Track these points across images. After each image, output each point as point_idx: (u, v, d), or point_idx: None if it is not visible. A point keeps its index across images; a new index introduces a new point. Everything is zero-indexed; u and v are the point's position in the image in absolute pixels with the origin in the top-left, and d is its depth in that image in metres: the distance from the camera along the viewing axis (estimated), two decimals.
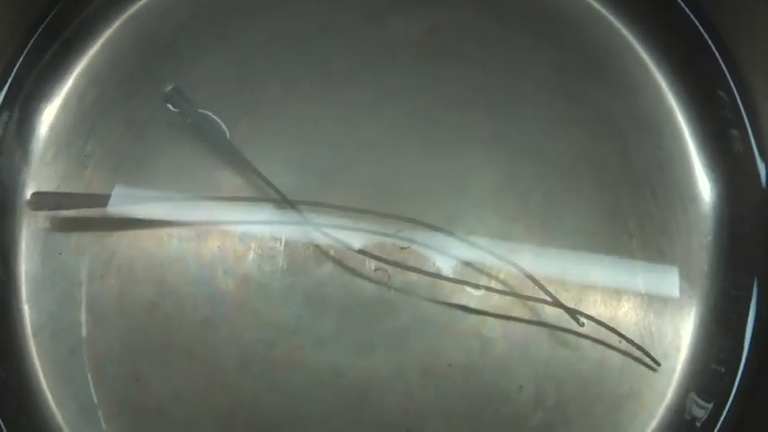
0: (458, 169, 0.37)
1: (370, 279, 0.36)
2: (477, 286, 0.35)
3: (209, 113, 0.37)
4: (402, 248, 0.36)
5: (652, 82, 0.38)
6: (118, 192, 0.36)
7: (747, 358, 0.36)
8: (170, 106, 0.38)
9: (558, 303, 0.35)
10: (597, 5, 0.39)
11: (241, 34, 0.39)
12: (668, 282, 0.36)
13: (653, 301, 0.36)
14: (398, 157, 0.37)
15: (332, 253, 0.36)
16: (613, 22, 0.39)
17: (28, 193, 0.37)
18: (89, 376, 0.36)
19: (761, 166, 0.37)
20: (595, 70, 0.38)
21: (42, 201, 0.36)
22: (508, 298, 0.35)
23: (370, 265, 0.36)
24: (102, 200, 0.36)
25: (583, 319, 0.35)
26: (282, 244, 0.36)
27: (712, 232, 0.37)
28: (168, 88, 0.38)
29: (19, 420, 0.36)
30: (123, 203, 0.36)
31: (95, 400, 0.35)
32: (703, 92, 0.38)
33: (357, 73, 0.38)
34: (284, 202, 0.36)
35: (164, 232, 0.36)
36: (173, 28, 0.39)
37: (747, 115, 0.37)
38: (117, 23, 0.39)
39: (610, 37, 0.39)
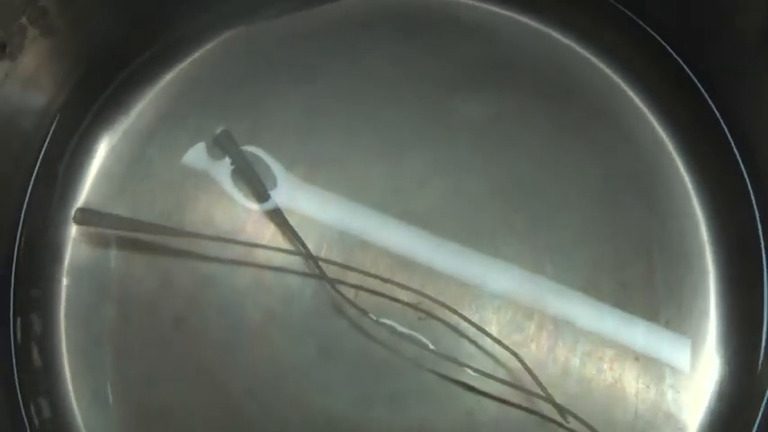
0: (486, 257, 0.39)
1: (383, 341, 0.38)
2: (475, 370, 0.37)
3: (263, 155, 0.40)
4: (419, 319, 0.38)
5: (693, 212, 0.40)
6: (155, 224, 0.39)
7: None
8: (220, 149, 0.40)
9: (549, 399, 0.37)
10: (653, 121, 0.41)
11: (315, 83, 0.41)
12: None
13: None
14: (433, 233, 0.39)
15: (353, 309, 0.38)
16: (666, 143, 0.41)
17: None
18: (107, 369, 0.38)
19: None
20: (640, 186, 0.40)
21: (86, 217, 0.39)
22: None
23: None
24: (142, 226, 0.38)
25: (570, 418, 0.37)
26: (313, 288, 0.38)
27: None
28: (219, 131, 0.40)
29: (35, 394, 0.38)
30: (158, 233, 0.38)
31: (109, 392, 0.38)
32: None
33: (415, 143, 0.40)
34: (309, 258, 0.38)
35: (205, 253, 0.39)
36: (249, 67, 0.42)
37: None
38: (197, 54, 0.42)
39: (660, 156, 0.41)
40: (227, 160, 0.40)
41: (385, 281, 0.37)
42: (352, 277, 0.38)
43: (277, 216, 0.39)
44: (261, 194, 0.39)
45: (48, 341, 0.39)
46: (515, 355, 0.37)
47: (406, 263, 0.39)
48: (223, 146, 0.40)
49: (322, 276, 0.38)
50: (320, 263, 0.38)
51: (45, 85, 0.39)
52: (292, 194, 0.39)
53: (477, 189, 0.40)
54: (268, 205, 0.39)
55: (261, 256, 0.39)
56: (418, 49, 0.42)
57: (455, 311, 0.37)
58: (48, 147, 0.40)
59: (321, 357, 0.38)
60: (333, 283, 0.38)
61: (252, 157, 0.40)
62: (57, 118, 0.40)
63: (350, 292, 0.38)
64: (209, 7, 0.42)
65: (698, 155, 0.40)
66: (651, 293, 0.39)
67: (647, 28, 0.41)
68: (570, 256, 0.39)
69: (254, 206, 0.40)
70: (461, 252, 0.39)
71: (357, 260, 0.39)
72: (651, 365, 0.38)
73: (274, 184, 0.40)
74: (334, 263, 0.38)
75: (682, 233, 0.39)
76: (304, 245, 0.38)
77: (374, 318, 0.37)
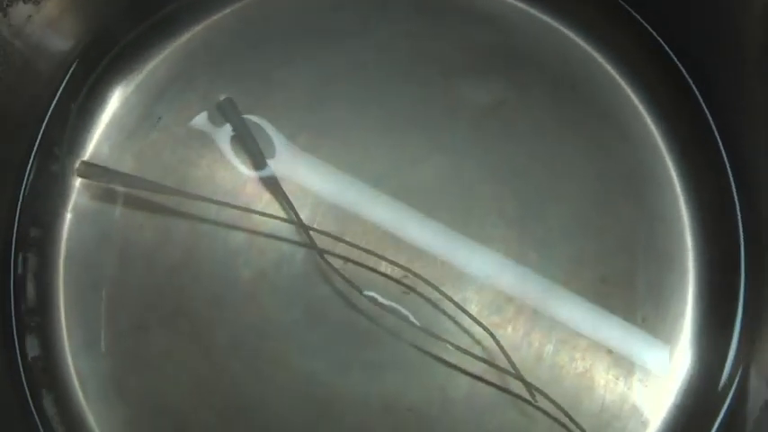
0: (474, 239, 0.40)
1: (366, 310, 0.39)
2: (452, 345, 0.38)
3: (267, 122, 0.41)
4: (403, 293, 0.39)
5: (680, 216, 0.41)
6: (156, 183, 0.40)
7: None
8: (222, 115, 0.41)
9: (519, 376, 0.38)
10: (651, 124, 0.42)
11: (325, 55, 0.42)
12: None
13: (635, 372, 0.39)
14: (425, 210, 0.40)
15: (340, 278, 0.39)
16: (661, 148, 0.42)
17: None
18: (101, 313, 0.40)
19: None
20: (631, 186, 0.41)
21: (88, 170, 0.40)
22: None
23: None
24: (142, 184, 0.40)
25: (539, 398, 0.38)
26: (304, 253, 0.40)
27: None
28: (222, 98, 0.41)
29: (29, 330, 0.40)
30: (157, 191, 0.40)
31: (102, 336, 0.40)
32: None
33: (417, 122, 0.42)
34: (301, 227, 0.39)
35: (204, 211, 0.40)
36: (263, 35, 0.43)
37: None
38: (214, 18, 0.43)
39: (654, 159, 0.42)
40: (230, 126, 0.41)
41: (372, 254, 0.38)
42: (342, 249, 0.39)
43: (272, 184, 0.40)
44: (259, 162, 0.41)
45: (45, 280, 0.40)
46: (491, 334, 0.38)
47: (395, 237, 0.40)
48: (225, 113, 0.41)
49: (311, 246, 0.39)
50: (311, 232, 0.39)
51: (65, 31, 0.41)
52: (293, 162, 0.41)
53: (473, 172, 0.41)
54: (265, 173, 0.41)
55: (256, 218, 0.40)
56: (430, 31, 0.43)
57: (436, 288, 0.38)
58: (62, 92, 0.41)
59: (306, 320, 0.39)
60: (321, 252, 0.39)
61: (255, 125, 0.41)
62: (74, 64, 0.42)
63: (338, 262, 0.39)
64: None
65: (691, 162, 0.41)
66: (631, 291, 0.40)
67: (654, 33, 0.42)
68: (555, 247, 0.40)
69: (252, 172, 0.41)
70: (450, 231, 0.40)
71: (349, 231, 0.40)
72: (623, 359, 0.39)
73: (274, 153, 0.41)
74: (324, 233, 0.39)
75: (667, 236, 0.41)
76: (296, 213, 0.39)
77: (359, 289, 0.39)
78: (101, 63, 0.42)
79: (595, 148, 0.42)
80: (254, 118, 0.41)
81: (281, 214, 0.40)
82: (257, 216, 0.40)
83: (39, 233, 0.41)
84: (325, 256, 0.39)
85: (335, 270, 0.39)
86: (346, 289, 0.39)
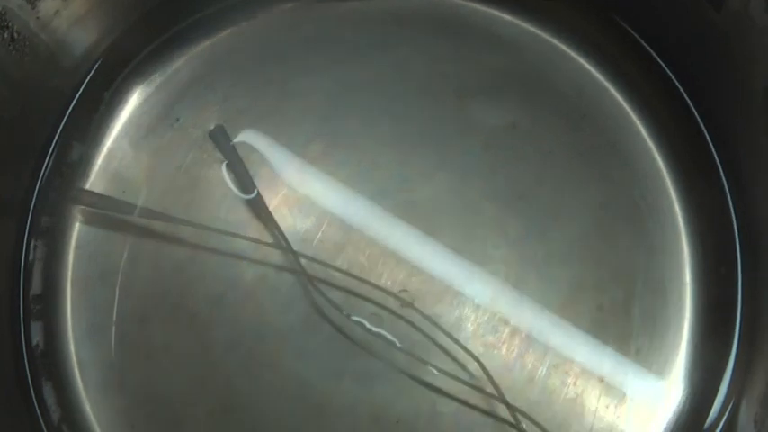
0: (476, 259, 0.41)
1: (363, 322, 0.40)
2: (439, 369, 0.39)
3: (281, 131, 0.42)
4: (393, 313, 0.40)
5: (680, 250, 0.41)
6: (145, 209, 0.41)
7: None
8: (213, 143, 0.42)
9: (503, 400, 0.38)
10: (658, 158, 0.42)
11: (342, 69, 0.43)
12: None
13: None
14: (428, 226, 0.41)
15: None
16: (667, 181, 0.42)
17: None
18: (106, 303, 0.41)
19: None
20: (634, 217, 0.41)
21: (83, 197, 0.41)
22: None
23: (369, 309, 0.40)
24: (132, 210, 0.41)
25: (527, 423, 0.38)
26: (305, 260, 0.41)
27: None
28: (212, 126, 0.42)
29: (34, 317, 0.41)
30: (149, 217, 0.41)
31: (105, 326, 0.41)
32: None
33: (427, 139, 0.42)
34: (290, 253, 0.40)
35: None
36: (285, 45, 0.44)
37: None
38: (238, 26, 0.44)
39: (659, 192, 0.42)
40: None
41: (363, 281, 0.39)
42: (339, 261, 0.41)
43: (263, 212, 0.41)
44: (248, 189, 0.41)
45: (53, 268, 0.41)
46: (477, 360, 0.38)
47: (396, 252, 0.41)
48: (217, 141, 0.42)
49: (301, 272, 0.40)
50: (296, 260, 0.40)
51: (91, 29, 0.42)
52: (301, 172, 0.42)
53: (479, 191, 0.42)
54: (256, 200, 0.41)
55: (263, 223, 0.41)
56: (446, 51, 0.44)
57: (426, 316, 0.39)
58: (85, 86, 0.43)
59: (303, 326, 0.40)
60: (311, 279, 0.40)
61: (250, 148, 0.42)
62: (98, 62, 0.43)
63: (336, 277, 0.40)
64: None
65: (695, 199, 0.41)
66: (626, 321, 0.40)
67: (668, 71, 0.43)
68: (555, 271, 0.41)
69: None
70: (451, 249, 0.41)
71: (351, 242, 0.41)
72: (614, 388, 0.40)
73: (282, 164, 0.42)
74: (314, 260, 0.40)
75: (666, 269, 0.41)
76: (287, 240, 0.40)
77: (347, 314, 0.39)
78: (124, 64, 0.43)
79: (601, 177, 0.42)
80: (270, 123, 0.42)
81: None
82: (264, 222, 0.41)
83: (51, 222, 0.42)
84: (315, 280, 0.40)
85: (323, 295, 0.40)
86: (343, 298, 0.40)
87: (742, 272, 0.40)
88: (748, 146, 0.39)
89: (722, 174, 0.41)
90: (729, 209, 0.40)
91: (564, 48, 0.44)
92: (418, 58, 0.44)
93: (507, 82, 0.43)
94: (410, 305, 0.40)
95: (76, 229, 0.42)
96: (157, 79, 0.43)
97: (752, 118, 0.38)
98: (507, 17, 0.44)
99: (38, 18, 0.38)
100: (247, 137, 0.42)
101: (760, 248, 0.39)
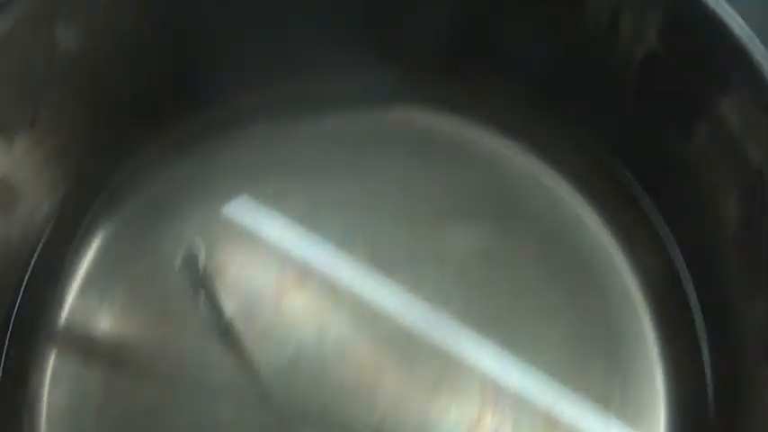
0: (450, 389, 0.41)
1: None
2: None
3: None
4: None
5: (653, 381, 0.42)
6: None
7: None
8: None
9: None
10: (631, 285, 0.42)
11: (318, 189, 0.44)
12: None
13: None
14: (404, 356, 0.41)
15: None
16: (640, 310, 0.42)
17: None
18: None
19: None
20: (607, 346, 0.42)
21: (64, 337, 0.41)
22: None
23: None
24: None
25: None
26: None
27: None
28: (185, 254, 0.42)
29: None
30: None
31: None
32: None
33: (402, 263, 0.42)
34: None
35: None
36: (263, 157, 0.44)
37: None
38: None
39: (633, 321, 0.42)
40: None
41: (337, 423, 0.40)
42: (321, 391, 0.41)
43: (236, 345, 0.41)
44: (221, 321, 0.42)
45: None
46: None
47: (370, 385, 0.41)
48: (189, 268, 0.42)
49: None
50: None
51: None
52: (277, 302, 0.42)
53: (453, 314, 0.42)
54: (229, 334, 0.41)
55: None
56: (424, 172, 0.44)
57: None
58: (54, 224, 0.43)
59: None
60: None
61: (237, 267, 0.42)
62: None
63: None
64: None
65: (669, 333, 0.41)
66: None
67: (649, 200, 0.43)
68: (529, 402, 0.41)
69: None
70: (420, 372, 0.41)
71: (326, 375, 0.41)
72: None
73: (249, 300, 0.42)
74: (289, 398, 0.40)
75: (640, 399, 0.41)
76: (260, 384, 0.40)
77: None
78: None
79: (574, 301, 0.42)
80: (240, 254, 0.43)
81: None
82: (238, 355, 0.41)
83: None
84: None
85: None
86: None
87: (715, 405, 0.40)
88: (723, 279, 0.39)
89: (700, 309, 0.41)
90: (702, 352, 0.40)
91: (543, 165, 0.44)
92: (395, 178, 0.44)
93: (482, 203, 0.43)
94: None
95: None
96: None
97: (726, 251, 0.39)
98: (484, 133, 0.44)
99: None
100: (220, 263, 0.42)
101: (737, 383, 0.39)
